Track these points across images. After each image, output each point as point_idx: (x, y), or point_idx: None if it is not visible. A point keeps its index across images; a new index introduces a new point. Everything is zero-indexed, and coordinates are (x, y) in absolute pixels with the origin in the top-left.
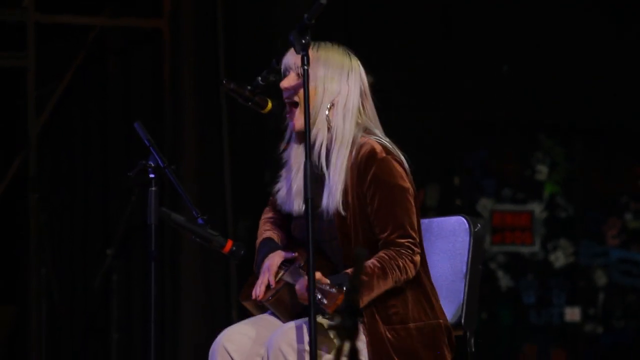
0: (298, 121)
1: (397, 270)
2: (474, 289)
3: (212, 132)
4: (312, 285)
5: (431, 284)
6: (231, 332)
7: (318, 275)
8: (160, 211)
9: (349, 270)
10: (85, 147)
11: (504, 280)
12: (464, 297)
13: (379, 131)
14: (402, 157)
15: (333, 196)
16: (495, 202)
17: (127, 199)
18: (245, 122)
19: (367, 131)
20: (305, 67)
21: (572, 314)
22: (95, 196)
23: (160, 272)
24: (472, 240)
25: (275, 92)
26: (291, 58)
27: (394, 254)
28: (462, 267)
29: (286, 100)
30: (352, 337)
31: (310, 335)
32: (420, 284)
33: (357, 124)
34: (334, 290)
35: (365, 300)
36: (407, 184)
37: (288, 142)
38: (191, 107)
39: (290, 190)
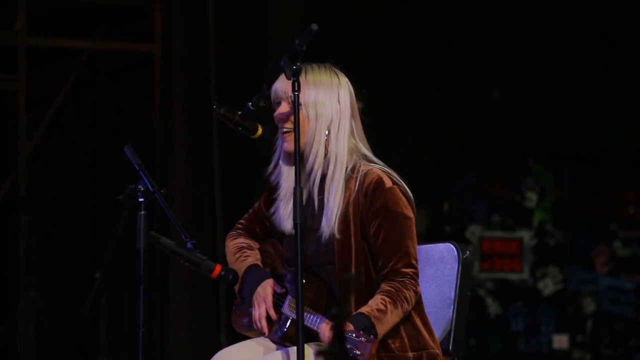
0: (292, 143)
1: (405, 302)
2: (462, 316)
3: (203, 156)
4: (301, 309)
5: (423, 314)
6: (224, 354)
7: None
8: (150, 235)
9: (364, 310)
10: (75, 170)
11: (493, 307)
12: (452, 324)
13: (370, 153)
14: (406, 187)
15: (330, 220)
16: (484, 228)
17: (116, 222)
18: (236, 146)
19: (367, 158)
20: (296, 93)
21: (561, 341)
22: (85, 219)
23: (148, 296)
24: (460, 267)
25: (265, 117)
26: (281, 88)
27: (399, 286)
28: (450, 293)
29: (282, 129)
30: None
31: None
32: (414, 314)
33: (351, 147)
34: (363, 339)
35: (381, 334)
36: (412, 214)
37: (276, 165)
38: (182, 131)
39: (284, 211)
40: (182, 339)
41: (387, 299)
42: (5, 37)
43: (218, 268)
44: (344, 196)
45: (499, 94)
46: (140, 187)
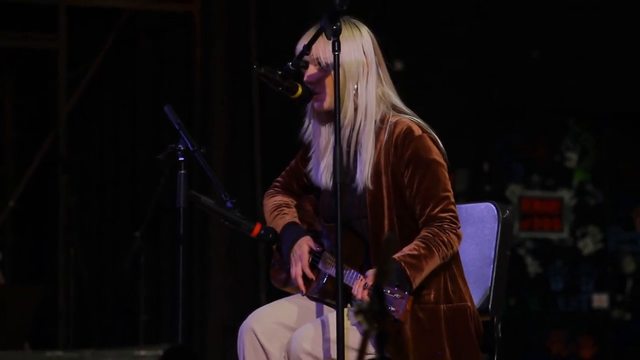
0: (326, 101)
1: (443, 246)
2: (502, 275)
3: (243, 116)
4: (340, 267)
5: (461, 266)
6: (260, 314)
7: (369, 277)
8: (190, 194)
9: (395, 256)
10: (115, 129)
11: (533, 267)
12: (491, 283)
13: (398, 99)
14: (435, 136)
15: (363, 172)
16: (524, 188)
17: (156, 181)
18: (276, 106)
19: (396, 108)
20: (337, 53)
21: (600, 300)
22: (125, 178)
23: (188, 255)
24: (500, 227)
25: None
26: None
27: (436, 230)
28: (490, 253)
29: (311, 90)
30: (380, 321)
31: (337, 327)
32: (453, 265)
33: (379, 96)
34: (397, 295)
35: (417, 282)
36: (443, 161)
37: (308, 125)
38: (221, 91)
39: (319, 167)
40: (222, 298)
41: (422, 244)
42: None
43: (258, 227)
44: (375, 147)
45: (538, 54)
46: (180, 146)
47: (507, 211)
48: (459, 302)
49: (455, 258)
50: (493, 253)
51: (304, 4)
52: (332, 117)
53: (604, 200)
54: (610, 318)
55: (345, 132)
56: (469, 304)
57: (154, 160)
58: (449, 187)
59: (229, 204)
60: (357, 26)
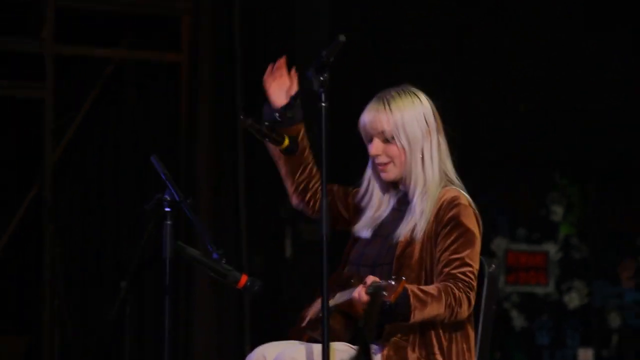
0: (390, 174)
1: (452, 298)
2: (488, 329)
3: (228, 166)
4: (326, 312)
5: (471, 343)
6: (267, 345)
7: (371, 277)
8: (176, 245)
9: (406, 285)
10: (100, 179)
11: (518, 321)
12: (477, 337)
13: (452, 169)
14: (478, 214)
15: (402, 229)
16: (510, 241)
17: (141, 231)
18: (262, 157)
19: (448, 179)
20: (323, 104)
21: (586, 355)
22: (110, 228)
23: (174, 306)
24: (486, 281)
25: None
26: (370, 123)
27: (451, 285)
28: (476, 307)
29: (377, 161)
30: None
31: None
32: (464, 341)
33: (440, 167)
34: (392, 282)
35: (416, 315)
36: (479, 235)
37: (365, 190)
38: (207, 141)
39: (365, 220)
40: (207, 350)
41: (434, 287)
42: (33, 45)
43: (244, 279)
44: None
45: (525, 108)
46: (166, 196)
47: (493, 265)
48: None
49: (467, 334)
50: (479, 307)
51: (291, 55)
52: (396, 186)
53: (590, 254)
54: None
55: (408, 196)
56: None
57: (139, 211)
58: (476, 260)
59: (215, 255)
60: (416, 94)
